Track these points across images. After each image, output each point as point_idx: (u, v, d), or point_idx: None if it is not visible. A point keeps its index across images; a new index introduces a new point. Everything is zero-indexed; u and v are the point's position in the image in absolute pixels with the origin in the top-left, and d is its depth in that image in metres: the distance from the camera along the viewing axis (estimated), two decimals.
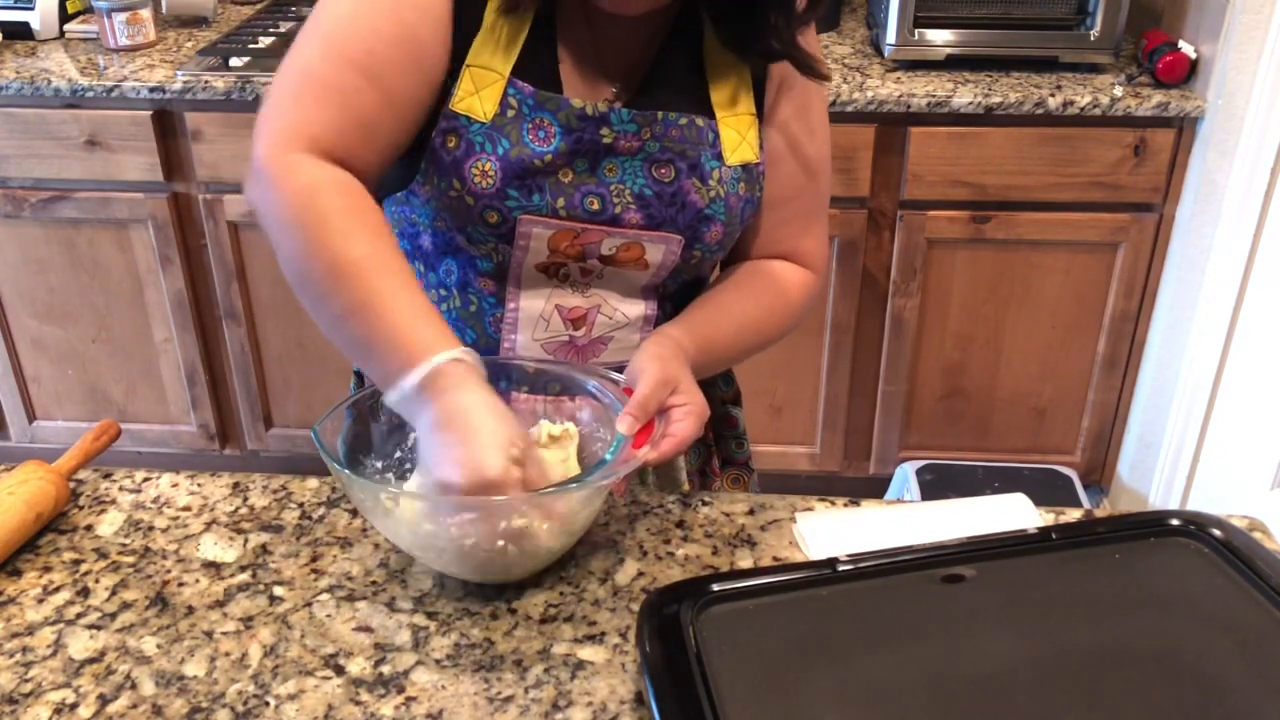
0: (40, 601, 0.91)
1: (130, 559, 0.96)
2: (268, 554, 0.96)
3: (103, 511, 1.01)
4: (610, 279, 1.03)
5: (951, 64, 2.20)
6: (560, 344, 1.05)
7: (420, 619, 0.89)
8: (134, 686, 0.82)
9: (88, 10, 2.45)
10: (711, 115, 1.01)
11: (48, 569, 0.94)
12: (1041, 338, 2.31)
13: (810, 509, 1.02)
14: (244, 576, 0.93)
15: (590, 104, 0.96)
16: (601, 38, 0.99)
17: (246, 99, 2.09)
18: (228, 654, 0.85)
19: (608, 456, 0.89)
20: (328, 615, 0.89)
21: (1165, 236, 2.19)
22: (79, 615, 0.89)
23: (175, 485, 1.05)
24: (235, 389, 2.45)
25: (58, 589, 0.92)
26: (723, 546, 0.98)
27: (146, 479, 1.06)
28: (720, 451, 1.23)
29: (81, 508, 1.02)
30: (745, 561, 0.96)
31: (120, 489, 1.04)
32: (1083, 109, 2.05)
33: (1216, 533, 0.89)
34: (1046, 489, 2.28)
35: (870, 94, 2.06)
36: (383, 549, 0.96)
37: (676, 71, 1.00)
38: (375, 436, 0.97)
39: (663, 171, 0.99)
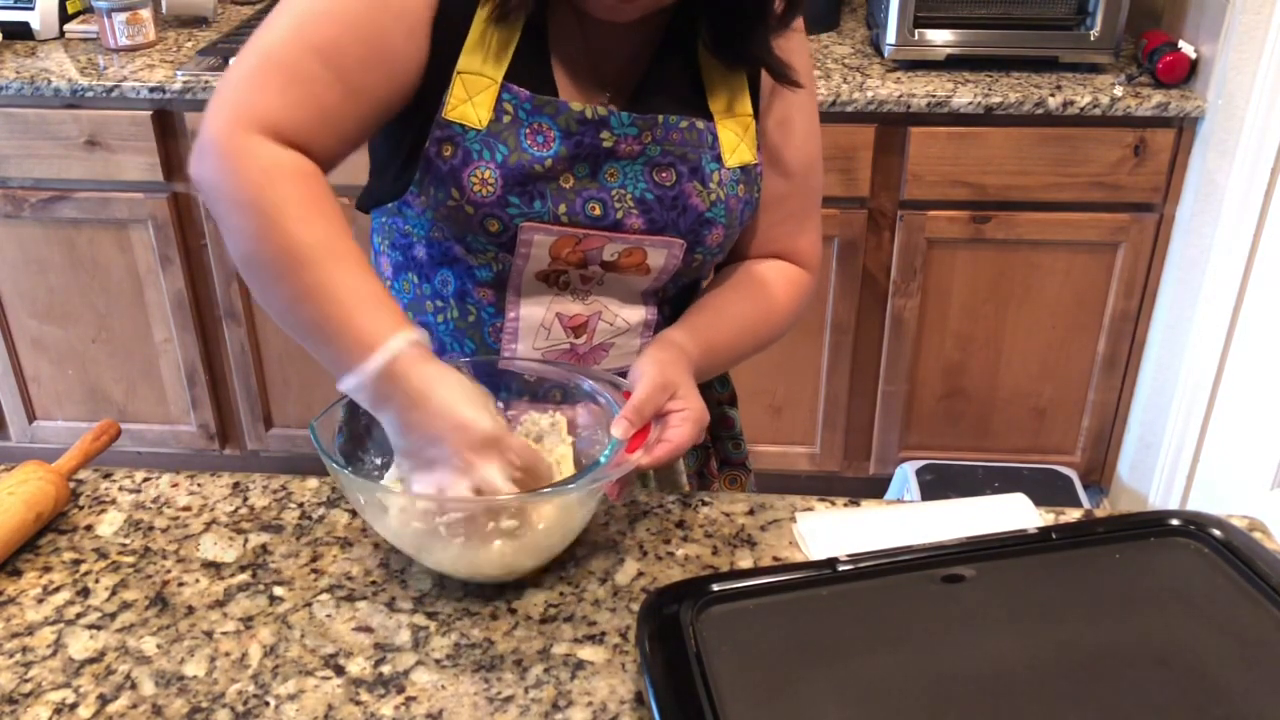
0: (40, 601, 0.91)
1: (130, 559, 0.96)
2: (268, 554, 0.96)
3: (103, 511, 1.01)
4: (611, 285, 1.03)
5: (951, 64, 2.20)
6: (561, 352, 1.05)
7: (420, 619, 0.89)
8: (134, 686, 0.82)
9: (88, 10, 2.45)
10: (709, 118, 1.01)
11: (48, 569, 0.94)
12: (1041, 338, 2.31)
13: (810, 509, 1.02)
14: (244, 576, 0.93)
15: (590, 107, 0.95)
16: (595, 43, 0.98)
17: None
18: (228, 654, 0.85)
19: (601, 459, 0.89)
20: (328, 615, 0.89)
21: (1165, 236, 2.19)
22: (79, 615, 0.89)
23: (175, 485, 1.05)
24: (235, 389, 2.45)
25: (58, 589, 0.92)
26: (723, 546, 0.98)
27: (146, 479, 1.06)
28: (717, 452, 1.23)
29: (81, 508, 1.02)
30: (745, 561, 0.96)
31: (120, 489, 1.04)
32: (1083, 109, 2.05)
33: (1216, 533, 0.89)
34: (1046, 489, 2.28)
35: (870, 94, 2.06)
36: (383, 549, 0.96)
37: (672, 75, 1.00)
38: (375, 433, 0.97)
39: (664, 175, 0.99)
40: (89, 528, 0.99)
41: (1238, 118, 2.02)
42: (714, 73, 1.01)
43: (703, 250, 1.02)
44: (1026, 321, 2.29)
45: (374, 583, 0.93)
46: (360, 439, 0.97)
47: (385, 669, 0.84)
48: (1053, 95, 2.06)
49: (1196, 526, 0.90)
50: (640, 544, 0.97)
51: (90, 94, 2.11)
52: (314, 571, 0.94)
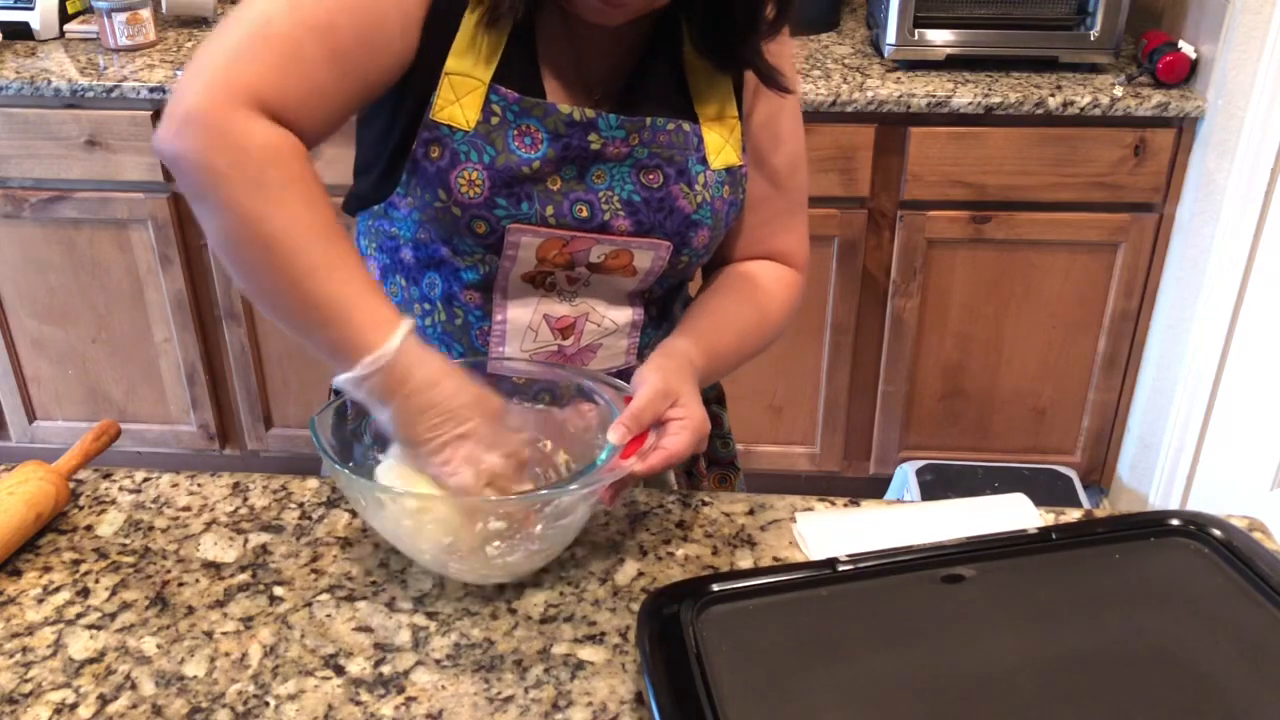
0: (40, 601, 0.91)
1: (130, 559, 0.96)
2: (268, 554, 0.96)
3: (103, 511, 1.01)
4: (597, 286, 1.03)
5: (951, 64, 2.20)
6: (549, 354, 1.05)
7: (420, 619, 0.89)
8: (134, 686, 0.82)
9: (88, 10, 2.44)
10: (695, 120, 1.01)
11: (48, 569, 0.94)
12: (1041, 338, 2.31)
13: (810, 509, 1.02)
14: (244, 576, 0.93)
15: (578, 109, 0.95)
16: (582, 46, 0.98)
17: None
18: (228, 654, 0.85)
19: (598, 462, 0.89)
20: (328, 615, 0.89)
21: (1165, 236, 2.19)
22: (79, 615, 0.89)
23: (175, 485, 1.05)
24: (235, 389, 2.45)
25: (58, 589, 0.92)
26: (723, 546, 0.98)
27: (146, 479, 1.06)
28: (706, 451, 1.23)
29: (81, 508, 1.02)
30: (745, 561, 0.96)
31: (120, 489, 1.04)
32: (1083, 109, 2.05)
33: (1216, 533, 0.90)
34: (1046, 489, 2.28)
35: (870, 94, 2.06)
36: (383, 549, 0.96)
37: (658, 78, 1.00)
38: (375, 428, 0.97)
39: (651, 177, 0.99)
40: (89, 528, 0.99)
41: (1238, 118, 2.02)
42: (700, 75, 1.01)
43: (689, 252, 1.03)
44: (1026, 321, 2.29)
45: (374, 583, 0.93)
46: (359, 434, 0.97)
47: (385, 669, 0.84)
48: (1053, 95, 2.06)
49: (1196, 526, 0.90)
50: (640, 544, 0.97)
51: (90, 94, 2.11)
52: (314, 571, 0.94)
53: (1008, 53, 2.19)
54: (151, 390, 2.46)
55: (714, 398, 1.23)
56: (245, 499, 1.03)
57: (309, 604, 0.90)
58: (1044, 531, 0.91)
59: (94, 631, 0.88)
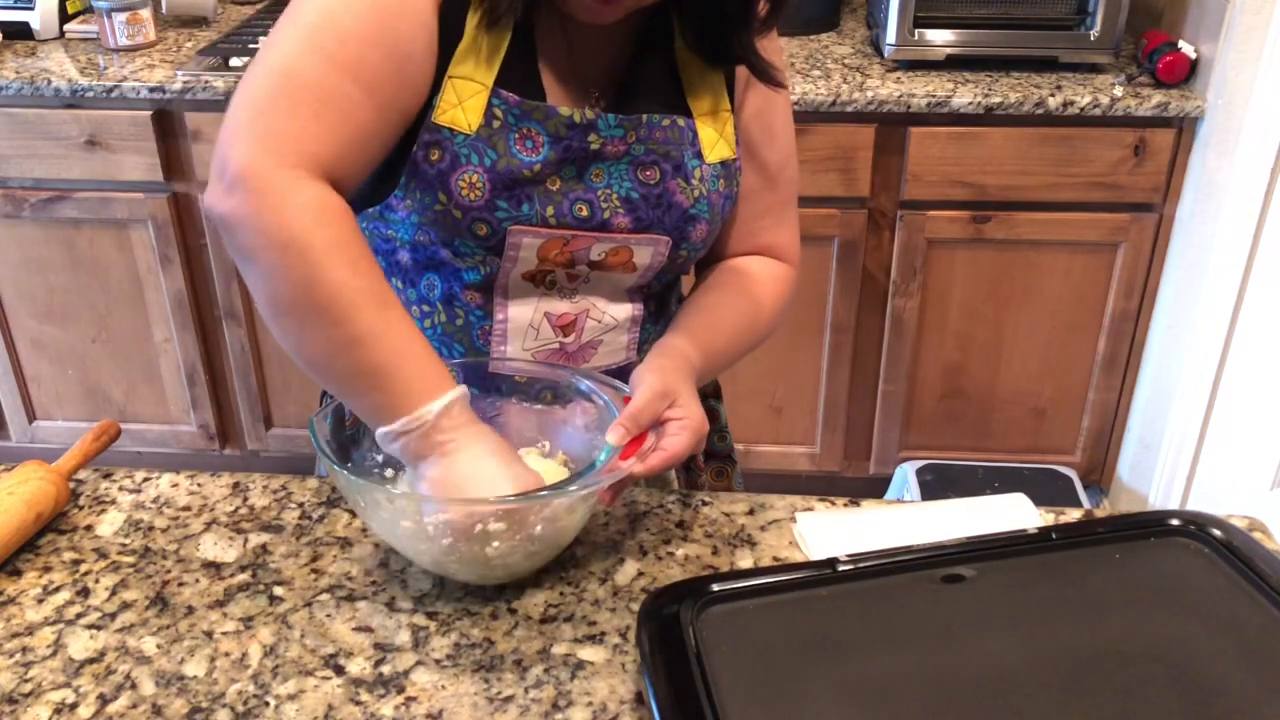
0: (40, 601, 0.91)
1: (130, 559, 0.96)
2: (268, 554, 0.96)
3: (103, 511, 1.01)
4: (597, 283, 1.03)
5: (951, 64, 2.20)
6: (550, 351, 1.05)
7: (420, 619, 0.89)
8: (134, 686, 0.82)
9: (88, 10, 2.45)
10: (689, 115, 1.02)
11: (48, 569, 0.94)
12: (1041, 338, 2.31)
13: (810, 509, 1.02)
14: (244, 576, 0.93)
15: (578, 111, 0.96)
16: (577, 45, 0.98)
17: None
18: (228, 654, 0.85)
19: (596, 463, 0.89)
20: (328, 615, 0.89)
21: (1165, 236, 2.19)
22: (79, 615, 0.89)
23: (175, 485, 1.05)
24: (235, 389, 2.45)
25: (58, 589, 0.92)
26: (723, 546, 0.98)
27: (146, 479, 1.06)
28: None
29: (81, 508, 1.02)
30: (745, 561, 0.96)
31: (120, 489, 1.04)
32: (1083, 109, 2.05)
33: (1216, 533, 0.90)
34: (1046, 489, 2.28)
35: (870, 94, 2.06)
36: (383, 549, 0.96)
37: (652, 74, 1.01)
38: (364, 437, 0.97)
39: (648, 174, 0.99)
40: (89, 528, 0.99)
41: (1238, 118, 2.02)
42: (692, 70, 1.02)
43: (687, 246, 1.03)
44: (1026, 321, 2.29)
45: (374, 583, 0.93)
46: (359, 434, 0.97)
47: (385, 669, 0.84)
48: (1053, 95, 2.06)
49: (1196, 526, 0.90)
50: (640, 544, 0.97)
51: (90, 94, 2.11)
52: (314, 571, 0.94)
53: (1008, 53, 2.19)
54: (151, 390, 2.46)
55: (710, 391, 1.23)
56: (245, 499, 1.03)
57: (309, 604, 0.90)
58: (1044, 531, 0.91)
59: (94, 631, 0.88)
